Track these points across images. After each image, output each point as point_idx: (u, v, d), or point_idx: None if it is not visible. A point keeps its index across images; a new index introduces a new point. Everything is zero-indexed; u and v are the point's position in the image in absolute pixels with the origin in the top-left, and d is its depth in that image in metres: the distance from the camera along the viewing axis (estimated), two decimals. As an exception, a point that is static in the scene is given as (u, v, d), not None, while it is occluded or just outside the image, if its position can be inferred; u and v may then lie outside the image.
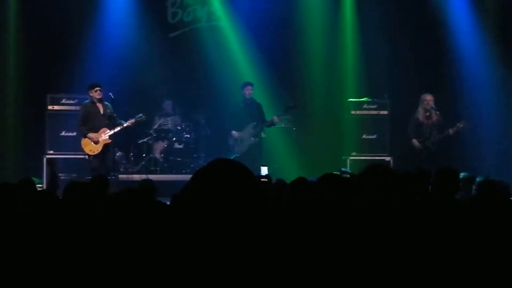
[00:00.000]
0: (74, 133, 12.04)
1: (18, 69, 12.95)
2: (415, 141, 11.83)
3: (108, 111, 11.36)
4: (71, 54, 12.91)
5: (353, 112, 12.80)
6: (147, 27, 13.42)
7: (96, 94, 11.27)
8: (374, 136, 12.67)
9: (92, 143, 11.24)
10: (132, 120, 11.39)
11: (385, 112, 12.74)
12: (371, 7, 13.39)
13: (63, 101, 12.26)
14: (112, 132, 11.24)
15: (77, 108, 11.96)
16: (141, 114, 11.48)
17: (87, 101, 11.45)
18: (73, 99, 12.29)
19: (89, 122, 11.31)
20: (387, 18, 13.31)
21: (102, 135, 11.26)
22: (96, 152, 11.24)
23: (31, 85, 12.82)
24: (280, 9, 13.60)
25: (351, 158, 12.53)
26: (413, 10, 13.35)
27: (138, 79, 13.27)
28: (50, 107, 12.27)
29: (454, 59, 13.33)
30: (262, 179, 7.07)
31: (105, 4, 13.26)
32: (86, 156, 11.37)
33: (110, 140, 11.28)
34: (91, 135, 11.24)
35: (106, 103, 11.43)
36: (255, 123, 11.82)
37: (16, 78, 12.96)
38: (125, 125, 11.33)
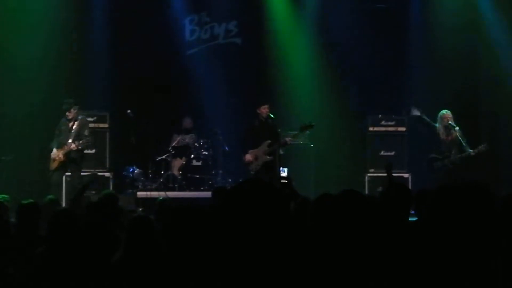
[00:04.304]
0: (94, 150, 12.14)
1: (43, 86, 12.98)
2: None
3: (78, 127, 11.34)
4: (90, 71, 13.00)
5: (371, 128, 12.80)
6: (165, 44, 13.51)
7: (69, 114, 11.36)
8: (392, 153, 12.65)
9: (51, 159, 11.34)
10: (79, 142, 11.18)
11: (403, 129, 12.73)
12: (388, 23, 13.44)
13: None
14: (67, 150, 11.24)
15: (97, 125, 12.25)
16: (88, 138, 11.33)
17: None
18: (91, 116, 12.35)
19: (58, 138, 11.38)
20: (405, 33, 13.37)
21: (60, 152, 11.29)
22: (52, 169, 11.32)
23: (55, 102, 12.87)
24: (297, 27, 13.70)
25: (369, 175, 12.51)
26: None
27: (156, 96, 13.35)
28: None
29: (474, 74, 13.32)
30: (282, 180, 7.17)
31: (122, 22, 13.33)
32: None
33: (64, 159, 11.26)
34: (54, 151, 11.33)
35: (81, 117, 11.42)
36: (270, 141, 11.78)
37: (40, 94, 12.98)
38: (70, 147, 11.20)
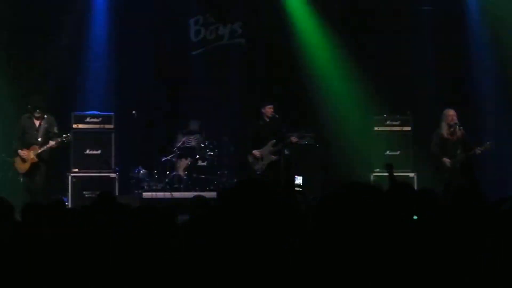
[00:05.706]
0: (99, 151, 12.12)
1: (42, 88, 13.00)
2: (446, 160, 11.56)
3: (46, 125, 11.06)
4: (95, 72, 13.02)
5: (376, 128, 12.79)
6: (170, 45, 13.54)
7: (35, 113, 11.07)
8: (398, 153, 12.63)
9: (21, 161, 10.94)
10: (57, 140, 10.95)
11: (408, 128, 12.72)
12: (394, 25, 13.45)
13: (88, 119, 12.27)
14: (39, 151, 10.90)
15: (102, 126, 12.13)
16: (68, 134, 11.18)
17: (26, 114, 11.20)
18: (97, 117, 12.35)
19: (23, 137, 11.04)
20: (409, 34, 13.38)
21: (31, 153, 10.91)
22: (24, 171, 10.95)
23: (56, 103, 12.89)
24: (303, 27, 13.71)
25: (374, 174, 12.50)
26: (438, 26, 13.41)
27: (161, 97, 13.38)
28: (74, 126, 12.23)
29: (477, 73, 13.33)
30: (296, 188, 7.17)
31: (127, 23, 13.33)
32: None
33: (37, 160, 10.91)
34: (21, 152, 10.93)
35: (46, 116, 11.14)
36: (274, 141, 11.83)
37: (44, 95, 12.99)
38: (49, 145, 10.88)
